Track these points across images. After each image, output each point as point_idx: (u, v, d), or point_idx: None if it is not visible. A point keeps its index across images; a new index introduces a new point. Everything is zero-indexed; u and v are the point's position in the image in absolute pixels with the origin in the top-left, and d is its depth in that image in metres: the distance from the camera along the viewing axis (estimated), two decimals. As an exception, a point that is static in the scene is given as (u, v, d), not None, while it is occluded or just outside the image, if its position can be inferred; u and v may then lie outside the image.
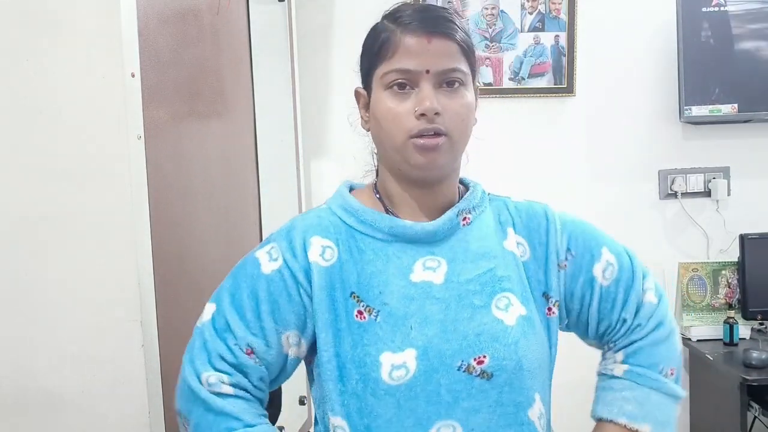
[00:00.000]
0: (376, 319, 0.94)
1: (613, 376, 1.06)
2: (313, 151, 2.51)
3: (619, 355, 1.06)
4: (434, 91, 0.95)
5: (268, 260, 0.98)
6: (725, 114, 2.52)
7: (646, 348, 1.04)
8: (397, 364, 0.92)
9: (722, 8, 2.50)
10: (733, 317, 2.43)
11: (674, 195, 2.62)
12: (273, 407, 1.90)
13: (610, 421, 1.03)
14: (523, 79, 2.58)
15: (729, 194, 2.62)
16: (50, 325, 1.12)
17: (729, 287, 2.54)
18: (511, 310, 0.97)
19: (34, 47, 1.08)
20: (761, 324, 2.47)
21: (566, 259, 1.04)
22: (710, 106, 2.51)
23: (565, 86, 2.59)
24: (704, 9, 2.50)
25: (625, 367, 1.05)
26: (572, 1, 2.55)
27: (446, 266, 0.98)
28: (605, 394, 1.06)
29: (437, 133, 0.94)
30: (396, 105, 0.95)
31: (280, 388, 1.89)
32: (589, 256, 1.04)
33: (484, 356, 0.93)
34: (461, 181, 1.08)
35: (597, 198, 2.61)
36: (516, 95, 2.58)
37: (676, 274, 2.56)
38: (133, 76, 1.09)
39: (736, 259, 2.51)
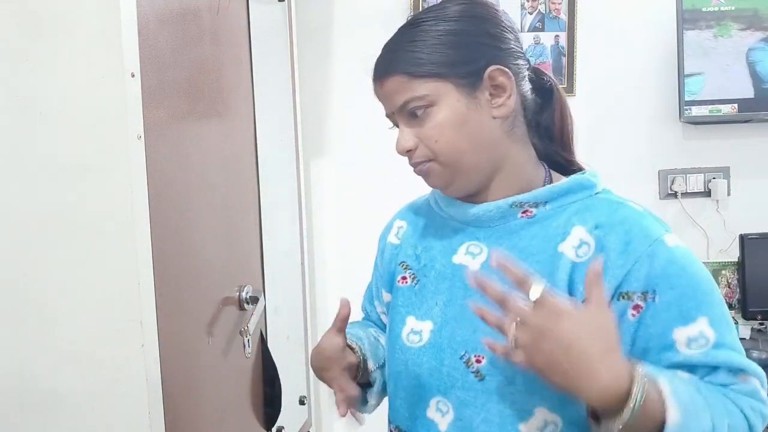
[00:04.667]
0: (414, 286, 1.04)
1: (677, 375, 0.86)
2: (313, 151, 2.51)
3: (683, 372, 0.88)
4: (408, 125, 0.96)
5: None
6: (725, 114, 2.52)
7: (724, 396, 0.86)
8: (415, 329, 1.01)
9: (722, 8, 2.50)
10: (733, 317, 2.43)
11: (674, 195, 2.62)
12: (273, 407, 1.90)
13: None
14: (523, 79, 2.58)
15: (729, 194, 2.61)
16: (50, 325, 1.12)
17: (729, 287, 2.54)
18: None
19: (34, 47, 1.08)
20: (761, 324, 2.47)
21: (643, 300, 0.87)
22: (710, 106, 2.51)
23: (565, 86, 2.59)
24: (704, 9, 2.50)
25: (695, 377, 0.87)
26: (572, 1, 2.55)
27: (487, 255, 0.97)
28: (661, 370, 0.84)
29: (427, 160, 0.96)
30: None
31: (280, 388, 1.89)
32: (676, 313, 0.87)
33: (482, 357, 0.93)
34: (562, 166, 1.03)
35: (597, 198, 2.61)
36: (516, 95, 2.58)
37: (676, 274, 2.56)
38: (133, 76, 1.10)
39: (736, 259, 2.51)
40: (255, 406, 1.81)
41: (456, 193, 1.00)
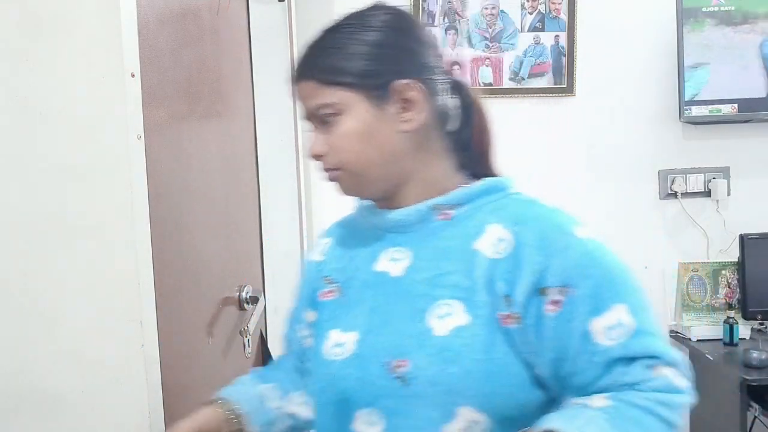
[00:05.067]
0: (340, 299, 1.02)
1: (588, 406, 0.85)
2: (313, 151, 2.51)
3: (606, 394, 0.87)
4: (320, 131, 0.96)
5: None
6: (725, 114, 2.52)
7: (641, 407, 0.85)
8: (339, 342, 0.98)
9: (722, 8, 2.50)
10: (733, 317, 2.43)
11: (674, 195, 2.62)
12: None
13: None
14: (523, 79, 2.58)
15: (729, 194, 2.62)
16: (50, 325, 1.12)
17: (729, 287, 2.54)
18: (448, 319, 0.90)
19: (34, 47, 1.08)
20: (761, 324, 2.47)
21: (562, 294, 0.88)
22: (710, 106, 2.52)
23: (565, 86, 2.59)
24: (704, 9, 2.50)
25: (609, 403, 0.85)
26: (572, 1, 2.55)
27: (410, 260, 0.97)
28: (574, 408, 0.85)
29: (334, 168, 0.96)
30: None
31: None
32: (592, 304, 0.87)
33: (405, 361, 0.91)
34: (480, 176, 1.02)
35: (597, 198, 2.61)
36: (516, 95, 2.58)
37: (676, 274, 2.56)
38: (133, 76, 1.09)
39: (736, 259, 2.51)
40: (255, 406, 1.80)
41: (373, 195, 1.01)
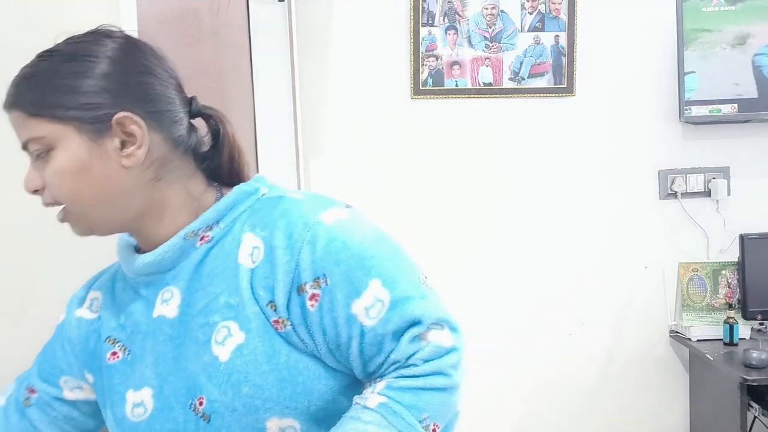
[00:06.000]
0: (127, 358, 0.96)
1: (366, 407, 0.84)
2: (313, 151, 2.51)
3: (381, 384, 0.85)
4: (35, 165, 0.89)
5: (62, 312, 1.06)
6: (725, 114, 2.52)
7: (414, 388, 0.84)
8: (137, 402, 0.93)
9: (722, 8, 2.50)
10: (733, 317, 2.43)
11: (674, 195, 2.62)
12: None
13: None
14: (523, 79, 2.58)
15: (729, 194, 2.62)
16: (50, 325, 1.13)
17: (729, 287, 2.54)
18: (228, 342, 0.87)
19: (34, 47, 1.09)
20: (761, 324, 2.47)
21: (318, 287, 0.86)
22: (710, 106, 2.52)
23: (565, 86, 2.59)
24: (704, 9, 2.50)
25: (382, 399, 0.84)
26: (572, 1, 2.55)
27: (180, 297, 0.92)
28: (347, 422, 0.84)
29: (54, 206, 0.89)
30: None
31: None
32: (348, 288, 0.85)
33: (203, 397, 0.88)
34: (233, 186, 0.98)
35: (597, 198, 2.61)
36: (516, 95, 2.58)
37: (676, 274, 2.56)
38: (133, 76, 1.09)
39: (736, 259, 2.51)
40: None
41: (107, 231, 0.93)
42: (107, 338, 0.98)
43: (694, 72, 2.50)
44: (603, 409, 2.64)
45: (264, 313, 0.87)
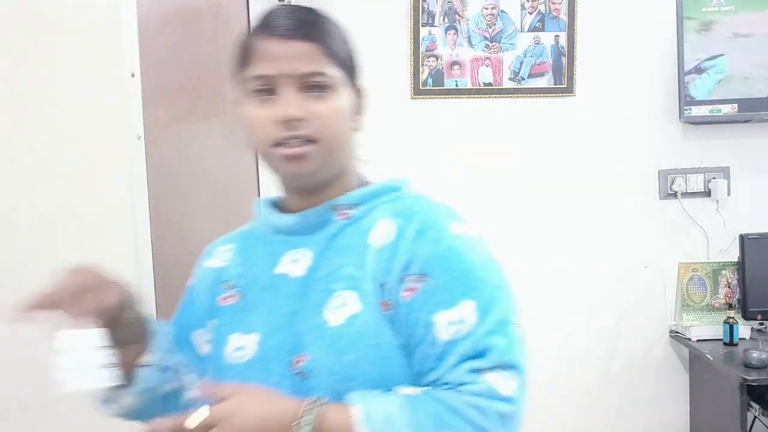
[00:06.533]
0: (239, 303, 1.02)
1: (393, 391, 0.89)
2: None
3: (413, 388, 0.89)
4: (298, 96, 0.93)
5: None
6: (725, 114, 2.52)
7: (447, 404, 0.85)
8: (239, 346, 0.98)
9: (722, 8, 2.50)
10: (733, 317, 2.43)
11: (674, 195, 2.62)
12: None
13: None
14: (523, 79, 2.58)
15: (729, 194, 2.62)
16: (50, 325, 1.12)
17: (729, 287, 2.54)
18: (343, 309, 0.92)
19: (35, 48, 1.09)
20: (761, 324, 2.47)
21: (418, 282, 0.90)
22: (710, 106, 2.52)
23: (565, 86, 2.59)
24: (704, 9, 2.50)
25: (415, 393, 0.88)
26: (572, 1, 2.55)
27: (311, 260, 0.98)
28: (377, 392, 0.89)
29: (305, 140, 0.93)
30: (258, 113, 0.94)
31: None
32: (443, 297, 0.89)
33: (304, 356, 0.92)
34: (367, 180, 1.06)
35: (597, 198, 2.61)
36: (516, 95, 2.58)
37: (676, 274, 2.56)
38: (133, 76, 1.10)
39: (736, 259, 2.51)
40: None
41: (308, 183, 0.99)
42: (225, 282, 1.05)
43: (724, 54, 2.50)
44: (603, 409, 2.64)
45: (376, 293, 0.92)
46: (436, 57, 2.54)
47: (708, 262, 2.56)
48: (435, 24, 2.54)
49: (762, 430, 2.40)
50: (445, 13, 2.55)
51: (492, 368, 0.87)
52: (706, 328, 2.50)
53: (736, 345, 2.39)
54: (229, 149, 1.71)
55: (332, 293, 0.93)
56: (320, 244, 0.99)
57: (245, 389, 0.90)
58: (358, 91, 1.00)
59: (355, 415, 0.84)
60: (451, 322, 0.88)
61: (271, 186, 2.03)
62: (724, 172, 2.63)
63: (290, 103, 0.92)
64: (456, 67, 2.55)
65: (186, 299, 1.12)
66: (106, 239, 1.10)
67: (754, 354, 2.19)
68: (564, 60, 2.57)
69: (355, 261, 0.95)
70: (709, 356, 2.33)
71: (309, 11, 0.97)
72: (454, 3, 2.54)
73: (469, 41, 2.56)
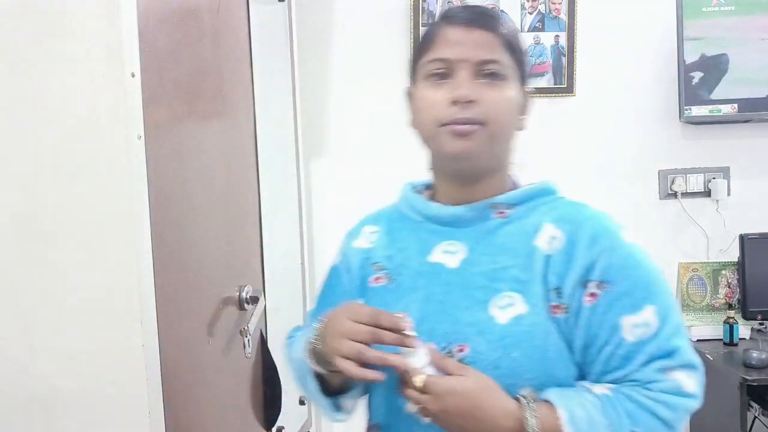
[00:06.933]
0: (389, 286, 1.06)
1: (590, 390, 0.94)
2: (313, 151, 2.51)
3: (610, 385, 0.95)
4: (472, 80, 0.97)
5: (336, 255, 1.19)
6: (725, 114, 2.52)
7: (639, 403, 0.92)
8: None
9: (722, 8, 2.50)
10: (733, 317, 2.43)
11: (674, 195, 2.62)
12: (273, 407, 1.90)
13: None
14: (523, 79, 2.58)
15: (729, 194, 2.62)
16: (50, 325, 1.12)
17: (729, 287, 2.54)
18: (509, 309, 0.96)
19: (33, 47, 1.08)
20: (761, 324, 2.47)
21: (599, 288, 0.95)
22: (710, 106, 2.52)
23: (565, 86, 2.59)
24: (704, 9, 2.50)
25: (607, 392, 0.93)
26: (572, 1, 2.55)
27: (465, 253, 1.02)
28: (569, 390, 0.94)
29: (474, 122, 0.97)
30: (432, 93, 0.99)
31: (280, 388, 1.89)
32: (627, 302, 0.95)
33: (465, 346, 0.96)
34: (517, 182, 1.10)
35: (597, 198, 2.60)
36: (516, 95, 2.58)
37: (676, 274, 2.56)
38: (133, 76, 1.09)
39: (736, 259, 2.51)
40: (255, 406, 1.81)
41: (470, 166, 1.02)
42: (375, 263, 1.09)
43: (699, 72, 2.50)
44: (603, 409, 2.64)
45: (546, 296, 0.96)
46: (436, 57, 2.54)
47: (708, 262, 2.56)
48: (435, 24, 2.54)
49: (762, 430, 2.40)
50: (445, 13, 2.55)
51: (678, 367, 0.95)
52: (706, 327, 2.50)
53: (736, 345, 2.39)
54: (229, 149, 1.71)
55: (498, 292, 0.97)
56: (474, 238, 1.02)
57: (471, 373, 0.93)
58: (525, 92, 1.04)
59: (562, 417, 0.90)
60: (636, 325, 0.94)
61: (271, 186, 2.03)
62: (724, 172, 2.63)
63: (464, 85, 0.97)
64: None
65: (330, 279, 1.17)
66: (105, 239, 1.10)
67: (754, 354, 2.19)
68: (564, 60, 2.58)
69: (520, 263, 0.98)
70: (709, 356, 2.33)
71: (487, 8, 1.04)
72: (454, 3, 2.54)
73: (469, 41, 2.56)
